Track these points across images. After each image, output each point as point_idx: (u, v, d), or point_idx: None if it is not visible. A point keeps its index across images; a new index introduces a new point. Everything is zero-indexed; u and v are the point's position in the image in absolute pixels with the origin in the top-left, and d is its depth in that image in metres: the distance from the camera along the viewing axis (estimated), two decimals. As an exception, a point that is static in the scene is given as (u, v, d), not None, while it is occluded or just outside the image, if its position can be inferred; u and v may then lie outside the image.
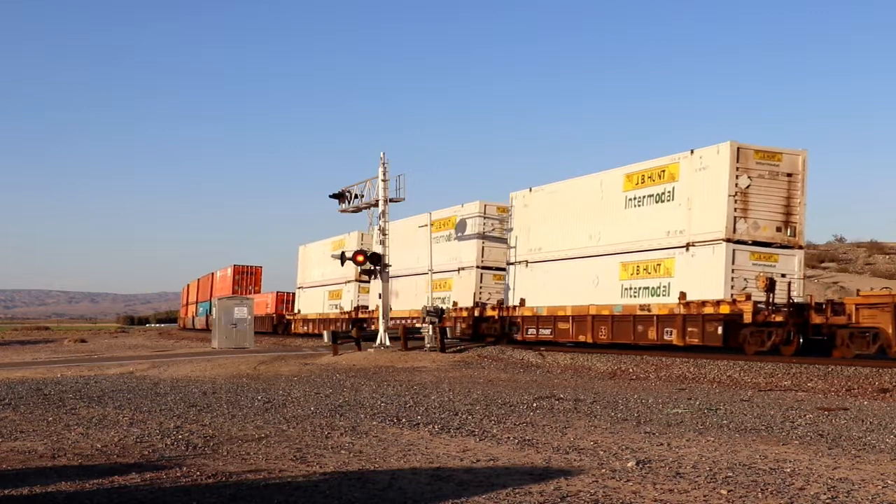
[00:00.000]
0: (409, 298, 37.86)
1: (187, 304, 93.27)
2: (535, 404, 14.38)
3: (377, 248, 32.39)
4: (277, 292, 62.52)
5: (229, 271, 74.20)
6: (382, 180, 32.10)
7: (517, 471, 8.37)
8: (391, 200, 32.24)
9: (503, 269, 32.97)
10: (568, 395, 15.89)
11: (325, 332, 34.23)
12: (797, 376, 18.71)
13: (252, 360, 27.12)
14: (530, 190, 31.83)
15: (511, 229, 32.52)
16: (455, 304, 34.92)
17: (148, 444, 10.18)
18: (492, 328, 32.58)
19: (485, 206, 34.30)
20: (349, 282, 45.12)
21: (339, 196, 35.04)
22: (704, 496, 7.16)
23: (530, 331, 30.43)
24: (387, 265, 32.15)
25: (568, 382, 19.36)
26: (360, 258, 31.71)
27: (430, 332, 30.20)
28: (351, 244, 43.06)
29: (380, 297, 32.94)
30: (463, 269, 35.06)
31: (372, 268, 32.02)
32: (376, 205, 32.52)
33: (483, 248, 34.30)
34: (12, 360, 31.82)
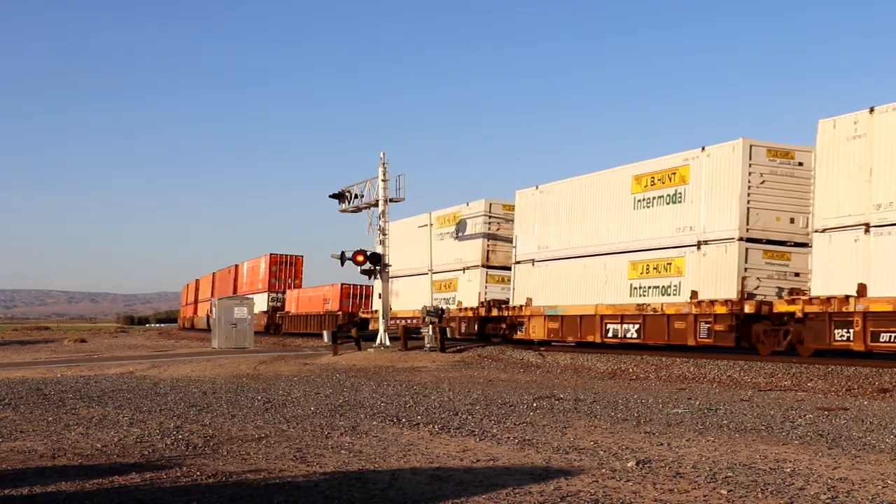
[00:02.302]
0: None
1: (196, 301, 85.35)
2: (535, 404, 14.38)
3: (379, 249, 32.39)
4: (342, 284, 51.88)
5: (263, 263, 64.44)
6: (382, 180, 32.11)
7: (517, 471, 8.37)
8: (391, 200, 32.25)
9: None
10: (568, 395, 15.89)
11: (324, 332, 34.17)
12: (797, 376, 18.72)
13: (252, 360, 27.12)
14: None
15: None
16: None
17: (148, 444, 10.17)
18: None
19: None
20: (470, 268, 34.84)
21: (339, 196, 35.03)
22: (704, 496, 7.16)
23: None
24: (387, 265, 32.15)
25: (568, 382, 19.36)
26: (360, 258, 31.70)
27: (430, 332, 30.22)
28: (472, 216, 34.89)
29: (380, 296, 32.95)
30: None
31: (372, 268, 32.00)
32: (376, 205, 32.53)
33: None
34: (12, 360, 31.83)
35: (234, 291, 68.73)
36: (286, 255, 64.19)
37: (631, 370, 22.29)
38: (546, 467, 8.53)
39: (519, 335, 30.51)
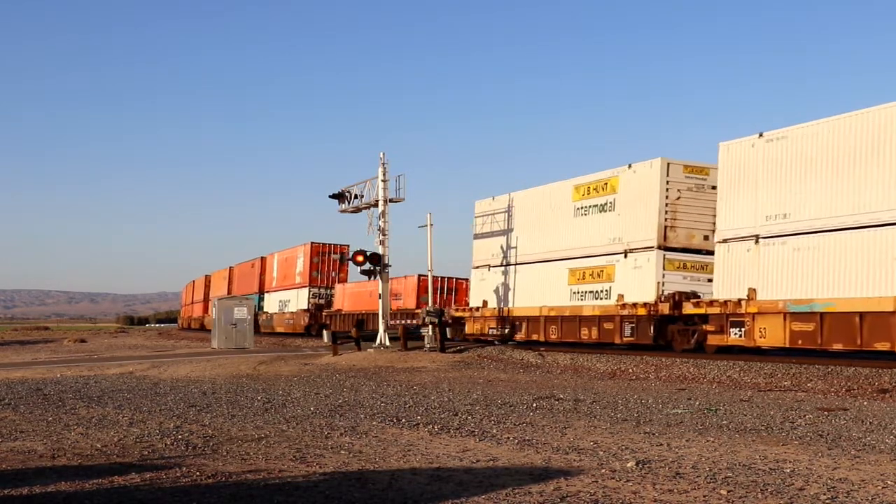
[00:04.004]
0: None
1: (206, 300, 75.28)
2: (534, 404, 14.38)
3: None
4: (420, 276, 42.77)
5: (302, 253, 53.70)
6: (382, 180, 32.11)
7: (517, 471, 8.37)
8: (391, 201, 32.24)
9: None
10: (568, 396, 15.90)
11: (324, 332, 34.14)
12: (797, 376, 18.72)
13: (252, 360, 27.12)
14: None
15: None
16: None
17: (148, 444, 10.18)
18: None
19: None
20: (636, 251, 26.42)
21: (339, 196, 35.03)
22: (704, 496, 7.16)
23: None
24: (387, 265, 32.15)
25: (568, 382, 19.36)
26: (360, 258, 31.69)
27: (430, 333, 30.22)
28: (637, 182, 26.78)
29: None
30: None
31: (372, 268, 31.99)
32: (376, 205, 32.52)
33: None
34: (12, 360, 31.83)
35: (261, 288, 61.22)
36: (330, 245, 52.85)
37: (630, 370, 22.30)
38: (546, 467, 8.53)
39: (733, 340, 22.83)
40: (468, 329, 34.46)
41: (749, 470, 8.32)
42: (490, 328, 32.75)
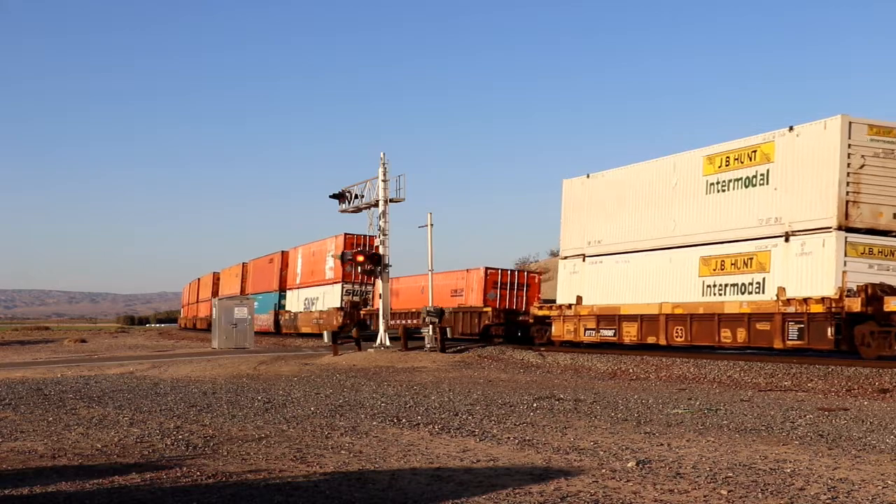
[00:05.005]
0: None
1: (214, 298, 68.16)
2: (535, 404, 14.38)
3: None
4: (487, 269, 37.40)
5: (334, 245, 47.45)
6: (382, 181, 32.14)
7: (517, 471, 8.37)
8: (391, 201, 32.27)
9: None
10: (568, 396, 15.90)
11: (325, 332, 34.13)
12: (797, 376, 18.71)
13: (252, 360, 27.13)
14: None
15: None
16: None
17: (148, 444, 10.18)
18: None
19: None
20: (801, 233, 21.48)
21: (340, 196, 35.09)
22: (704, 496, 7.16)
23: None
24: (387, 265, 32.17)
25: (568, 382, 19.36)
26: (361, 258, 31.71)
27: (430, 333, 30.23)
28: (802, 148, 21.64)
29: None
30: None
31: (372, 268, 32.01)
32: (376, 205, 32.56)
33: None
34: (12, 360, 31.84)
35: (282, 285, 56.09)
36: (365, 236, 45.68)
37: (631, 370, 22.29)
38: (546, 468, 8.53)
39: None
40: (555, 331, 29.20)
41: (749, 470, 8.32)
42: (587, 329, 27.51)
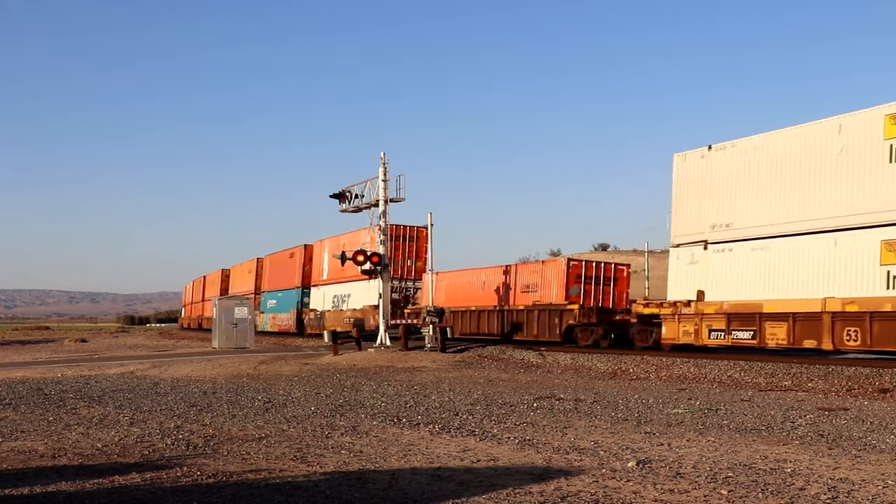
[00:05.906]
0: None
1: (218, 297, 60.35)
2: (535, 404, 14.38)
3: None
4: (570, 260, 32.68)
5: (369, 238, 37.74)
6: (383, 180, 32.13)
7: (517, 471, 8.37)
8: (391, 200, 32.26)
9: None
10: (568, 395, 15.90)
11: (325, 332, 34.09)
12: (797, 376, 18.72)
13: (252, 360, 27.13)
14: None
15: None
16: None
17: (148, 443, 10.18)
18: None
19: None
20: None
21: (340, 196, 35.09)
22: (705, 496, 7.16)
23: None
24: (387, 265, 32.18)
25: (568, 382, 19.36)
26: (361, 258, 31.70)
27: (431, 332, 30.23)
28: None
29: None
30: None
31: (372, 268, 32.01)
32: (376, 205, 32.55)
33: None
34: (13, 359, 31.84)
35: (306, 281, 51.13)
36: (405, 227, 41.31)
37: (631, 370, 22.28)
38: (546, 467, 8.53)
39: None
40: (667, 333, 24.79)
41: (750, 470, 8.32)
42: (713, 331, 23.15)
